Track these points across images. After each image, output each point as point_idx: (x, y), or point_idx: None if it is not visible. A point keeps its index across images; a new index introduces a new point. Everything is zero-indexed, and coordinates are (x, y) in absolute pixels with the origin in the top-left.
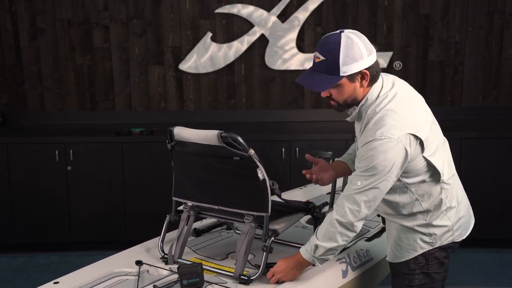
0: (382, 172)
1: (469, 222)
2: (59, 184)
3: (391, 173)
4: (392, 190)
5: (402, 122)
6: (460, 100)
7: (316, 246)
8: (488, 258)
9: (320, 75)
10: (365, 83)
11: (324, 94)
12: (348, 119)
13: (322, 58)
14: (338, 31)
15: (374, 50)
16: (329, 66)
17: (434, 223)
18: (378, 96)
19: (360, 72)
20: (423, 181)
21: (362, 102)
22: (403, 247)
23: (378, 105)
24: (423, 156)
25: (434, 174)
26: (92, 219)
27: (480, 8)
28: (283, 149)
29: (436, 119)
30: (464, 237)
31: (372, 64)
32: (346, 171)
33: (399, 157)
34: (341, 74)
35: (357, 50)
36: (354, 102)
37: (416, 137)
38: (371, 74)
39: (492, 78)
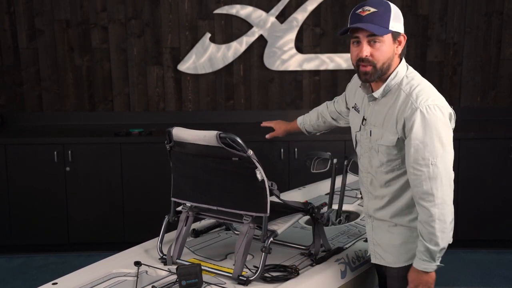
0: (441, 140)
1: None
2: (57, 185)
3: (451, 140)
4: (404, 185)
5: (440, 96)
6: (459, 100)
7: (439, 253)
8: (487, 258)
9: (371, 25)
10: (399, 50)
11: (366, 51)
12: (374, 93)
13: (373, 10)
14: None
15: None
16: (380, 17)
17: None
18: (406, 74)
19: (401, 35)
20: None
21: (392, 76)
22: (405, 252)
23: (412, 80)
24: None
25: None
26: (91, 220)
27: (478, 9)
28: (282, 150)
29: None
30: (451, 240)
31: None
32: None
33: (449, 124)
34: (390, 28)
35: (401, 14)
36: (387, 70)
37: (452, 112)
38: (404, 45)
39: (490, 79)
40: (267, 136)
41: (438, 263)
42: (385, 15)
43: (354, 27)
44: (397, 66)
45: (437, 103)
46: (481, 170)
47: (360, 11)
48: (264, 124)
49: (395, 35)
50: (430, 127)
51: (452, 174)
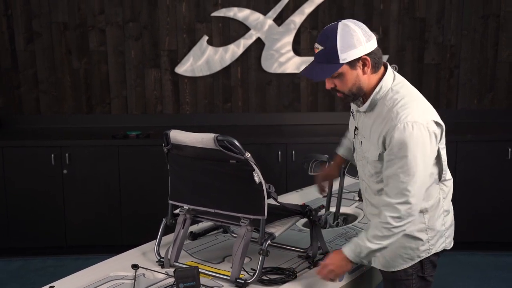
0: (415, 159)
1: (453, 231)
2: (55, 188)
3: (427, 160)
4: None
5: (425, 109)
6: (456, 103)
7: (368, 253)
8: (484, 261)
9: (321, 65)
10: (368, 70)
11: (328, 85)
12: (360, 108)
13: (321, 48)
14: (336, 21)
15: (373, 36)
16: (328, 55)
17: (433, 226)
18: (392, 85)
19: (360, 59)
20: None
21: (376, 90)
22: (399, 256)
23: (396, 93)
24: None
25: (438, 171)
26: (88, 222)
27: (475, 12)
28: (279, 152)
29: None
30: (451, 246)
31: (373, 51)
32: (344, 162)
33: (429, 142)
34: (341, 61)
35: (355, 37)
36: (360, 91)
37: (438, 124)
38: (373, 60)
39: (487, 81)
40: (320, 191)
41: (361, 261)
42: (332, 51)
43: (303, 75)
44: (380, 79)
45: (417, 119)
46: (478, 172)
47: (314, 47)
48: (320, 183)
49: (352, 62)
50: (406, 145)
51: (422, 193)
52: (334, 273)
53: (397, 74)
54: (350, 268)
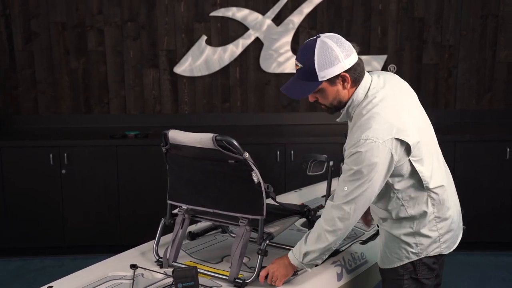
0: (367, 175)
1: (458, 235)
2: (53, 188)
3: (377, 177)
4: (379, 195)
5: (388, 125)
6: (454, 103)
7: (305, 254)
8: (484, 261)
9: (300, 82)
10: (348, 85)
11: (311, 99)
12: (338, 119)
13: (300, 65)
14: (315, 36)
15: (353, 51)
16: (307, 73)
17: (422, 231)
18: (366, 96)
19: (339, 75)
20: (409, 187)
21: (348, 103)
22: (389, 254)
23: (365, 107)
24: (409, 160)
25: (420, 180)
26: (87, 222)
27: (474, 12)
28: (278, 152)
29: (430, 122)
30: (452, 250)
31: (353, 66)
32: None
33: (384, 161)
34: (320, 79)
35: (333, 54)
36: (341, 103)
37: (402, 141)
38: (352, 76)
39: (485, 82)
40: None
41: (301, 265)
42: (310, 70)
43: (283, 92)
44: (353, 92)
45: (371, 136)
46: (478, 172)
47: (295, 64)
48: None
49: (331, 79)
50: (356, 160)
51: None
52: (275, 275)
53: (377, 83)
54: (291, 272)
